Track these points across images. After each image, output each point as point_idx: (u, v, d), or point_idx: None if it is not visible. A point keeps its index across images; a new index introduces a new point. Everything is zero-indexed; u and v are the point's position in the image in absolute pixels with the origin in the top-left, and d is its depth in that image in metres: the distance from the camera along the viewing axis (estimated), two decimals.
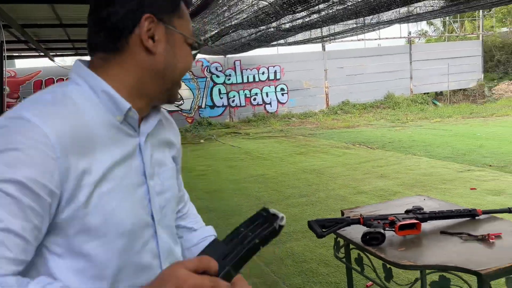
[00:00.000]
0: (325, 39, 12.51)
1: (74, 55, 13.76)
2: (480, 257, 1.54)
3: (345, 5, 4.61)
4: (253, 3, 4.87)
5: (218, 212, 4.99)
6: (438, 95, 18.04)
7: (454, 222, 1.94)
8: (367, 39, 16.81)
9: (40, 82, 13.15)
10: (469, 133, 9.24)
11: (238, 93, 15.27)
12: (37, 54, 11.78)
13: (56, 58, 12.63)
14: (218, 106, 15.08)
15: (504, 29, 19.71)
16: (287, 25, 6.09)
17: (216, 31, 7.15)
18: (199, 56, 14.00)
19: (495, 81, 18.22)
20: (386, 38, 17.43)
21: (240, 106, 15.33)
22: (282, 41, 10.16)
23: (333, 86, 16.35)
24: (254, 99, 15.47)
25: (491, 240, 1.68)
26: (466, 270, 1.45)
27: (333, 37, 12.38)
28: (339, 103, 16.33)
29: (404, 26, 16.56)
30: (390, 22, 8.91)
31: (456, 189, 5.12)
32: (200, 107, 14.87)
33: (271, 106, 15.66)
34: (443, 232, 1.83)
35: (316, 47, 15.87)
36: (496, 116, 11.92)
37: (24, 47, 10.13)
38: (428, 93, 17.73)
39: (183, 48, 0.88)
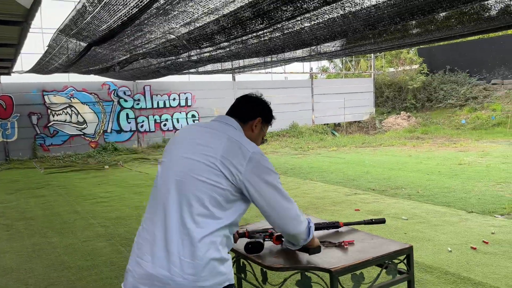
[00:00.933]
0: (235, 70, 13.14)
1: None
2: (333, 258, 1.92)
3: (246, 45, 5.09)
4: (160, 35, 5.11)
5: (121, 239, 4.96)
6: (337, 126, 19.78)
7: (323, 233, 2.34)
8: (274, 73, 17.96)
9: None
10: (359, 161, 10.36)
11: (148, 118, 15.11)
12: None
13: None
14: (126, 131, 14.73)
15: (392, 69, 22.49)
16: (195, 57, 6.42)
17: (124, 57, 7.20)
18: (105, 79, 13.66)
19: (384, 114, 20.55)
20: (291, 73, 18.83)
21: (150, 131, 15.16)
22: (193, 70, 10.47)
23: None
24: (165, 125, 15.44)
25: (345, 246, 2.08)
26: (320, 268, 1.82)
27: (242, 70, 13.07)
28: None
29: (307, 63, 18.05)
30: (290, 61, 9.78)
31: (343, 210, 5.77)
32: (105, 131, 14.37)
33: None
34: None
35: (227, 77, 16.52)
36: (383, 146, 13.49)
37: None
38: (328, 124, 19.35)
39: (261, 134, 1.91)
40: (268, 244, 2.19)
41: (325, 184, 7.67)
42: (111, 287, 3.61)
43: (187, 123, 15.87)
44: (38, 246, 4.81)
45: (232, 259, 2.36)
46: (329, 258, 1.92)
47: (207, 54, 6.04)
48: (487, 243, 4.20)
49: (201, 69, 11.35)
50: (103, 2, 3.90)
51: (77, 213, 6.29)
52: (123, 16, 3.96)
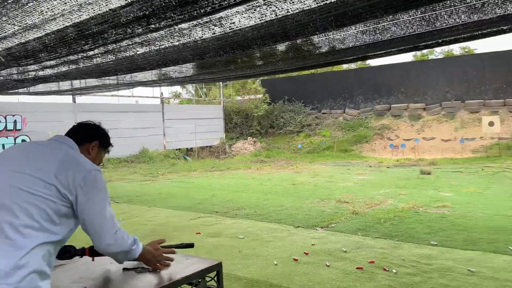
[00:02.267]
0: (76, 92, 12.20)
1: None
2: (143, 282, 1.92)
3: (77, 65, 4.81)
4: None
5: None
6: (189, 151, 20.00)
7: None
8: (121, 96, 17.28)
9: None
10: (207, 185, 10.64)
11: None
12: None
13: None
14: None
15: (239, 98, 24.00)
16: (18, 76, 5.76)
17: None
18: None
19: (233, 140, 21.67)
20: (140, 97, 18.42)
21: None
22: (23, 90, 9.33)
23: None
24: None
25: (159, 269, 2.11)
26: None
27: (85, 91, 12.23)
28: None
29: (158, 87, 17.94)
30: (137, 84, 9.59)
31: (184, 235, 5.80)
32: None
33: None
34: (125, 269, 2.17)
35: (67, 98, 15.20)
36: (231, 170, 14.16)
37: None
38: (180, 148, 19.41)
39: (98, 158, 2.00)
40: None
41: (171, 210, 7.62)
42: None
43: None
44: None
45: None
46: (140, 283, 1.91)
47: (33, 73, 5.49)
48: (307, 254, 4.74)
49: (36, 89, 10.22)
50: None
51: None
52: None
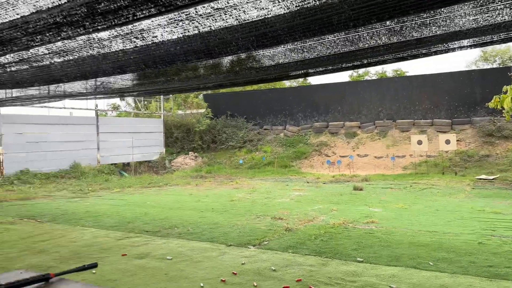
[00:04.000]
0: (1, 103, 11.28)
1: None
2: None
3: None
4: None
5: None
6: (126, 166, 19.20)
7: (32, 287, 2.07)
8: (51, 107, 16.27)
9: None
10: (141, 202, 10.20)
11: None
12: None
13: None
14: None
15: (180, 112, 23.61)
16: None
17: None
18: None
19: (174, 154, 21.17)
20: (73, 108, 17.46)
21: None
22: None
23: (10, 152, 14.63)
24: None
25: None
26: None
27: (11, 102, 11.34)
28: (17, 172, 14.67)
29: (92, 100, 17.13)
30: (68, 96, 9.06)
31: (109, 257, 5.45)
32: None
33: None
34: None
35: None
36: (169, 186, 13.75)
37: None
38: (115, 163, 18.57)
39: None
40: None
41: (97, 230, 7.16)
42: None
43: None
44: None
45: None
46: None
47: None
48: (235, 274, 4.63)
49: None
50: None
51: None
52: None
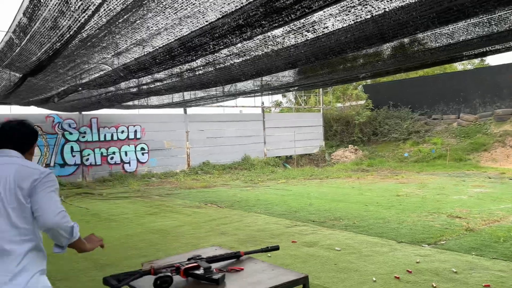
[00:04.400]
0: (187, 104, 13.21)
1: None
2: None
3: (182, 78, 5.17)
4: (94, 66, 5.09)
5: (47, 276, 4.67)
6: (288, 159, 20.13)
7: (227, 263, 2.36)
8: (226, 106, 18.21)
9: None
10: (305, 193, 10.54)
11: (94, 151, 14.68)
12: None
13: None
14: (70, 165, 14.18)
15: (339, 105, 23.46)
16: (135, 89, 6.42)
17: (62, 88, 7.06)
18: (49, 112, 13.24)
19: (333, 148, 21.22)
20: (243, 106, 19.18)
21: (95, 165, 14.69)
22: (137, 102, 10.41)
23: (194, 147, 16.98)
24: (112, 158, 15.04)
25: (231, 271, 2.12)
26: None
27: (195, 103, 13.16)
28: (200, 164, 16.93)
29: (259, 97, 18.49)
30: (240, 94, 10.00)
31: (280, 242, 5.79)
32: (48, 165, 13.76)
33: (129, 166, 15.37)
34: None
35: (178, 110, 16.51)
36: (330, 178, 13.84)
37: None
38: (279, 156, 19.65)
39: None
40: (176, 277, 2.16)
41: (268, 217, 7.71)
42: None
43: (136, 156, 15.57)
44: None
45: None
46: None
47: (146, 87, 6.06)
48: (410, 272, 4.36)
49: (152, 102, 11.33)
50: (29, 35, 3.86)
51: None
52: (49, 49, 3.93)
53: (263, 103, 19.82)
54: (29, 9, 2.97)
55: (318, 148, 21.04)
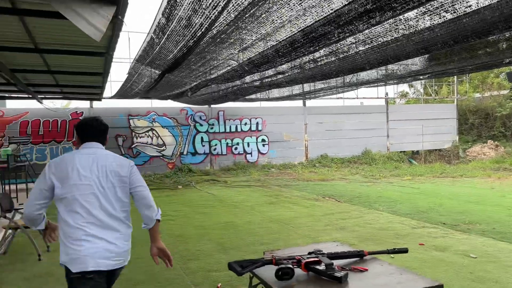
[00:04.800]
0: (306, 96, 13.23)
1: (62, 99, 14.21)
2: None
3: (304, 69, 5.14)
4: (222, 62, 5.38)
5: (178, 256, 5.16)
6: (415, 154, 18.69)
7: (348, 261, 2.25)
8: (346, 98, 17.70)
9: (27, 123, 13.44)
10: (434, 192, 9.65)
11: (220, 142, 15.74)
12: (26, 96, 12.19)
13: (45, 101, 13.03)
14: (200, 154, 15.47)
15: (477, 95, 20.87)
16: (258, 83, 6.62)
17: (194, 83, 7.67)
18: (183, 105, 14.58)
19: (469, 143, 19.01)
20: (364, 98, 18.36)
21: (221, 154, 15.73)
22: (259, 95, 10.76)
23: (312, 139, 16.95)
24: (235, 148, 15.93)
25: (354, 271, 2.00)
26: None
27: (313, 94, 13.11)
28: (318, 156, 16.84)
29: (382, 87, 17.52)
30: (363, 84, 9.60)
31: (405, 244, 5.38)
32: (182, 153, 15.22)
33: (251, 156, 16.09)
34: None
35: (297, 102, 16.63)
36: (465, 177, 12.43)
37: (13, 89, 10.54)
38: (404, 151, 18.38)
39: None
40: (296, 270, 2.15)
41: (391, 215, 7.26)
42: None
43: (257, 147, 16.21)
44: None
45: (257, 285, 2.35)
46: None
47: (268, 80, 6.20)
48: None
49: (274, 94, 11.64)
50: (166, 34, 4.25)
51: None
52: (183, 47, 4.27)
53: (387, 94, 18.74)
54: (167, 9, 3.25)
55: (450, 143, 19.09)
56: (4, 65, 7.02)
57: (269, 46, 4.44)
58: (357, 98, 18.05)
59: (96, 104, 14.37)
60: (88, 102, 14.21)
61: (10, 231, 5.57)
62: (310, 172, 14.70)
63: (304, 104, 17.02)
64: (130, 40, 14.09)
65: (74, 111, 14.09)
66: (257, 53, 4.74)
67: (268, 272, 2.16)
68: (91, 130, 2.60)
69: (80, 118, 14.00)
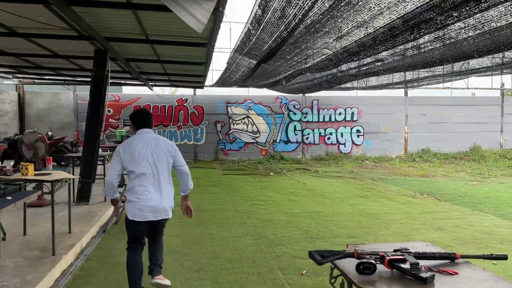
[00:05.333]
0: (408, 84, 12.48)
1: (170, 86, 15.44)
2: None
3: (405, 57, 4.86)
4: (316, 51, 5.35)
5: (265, 240, 5.35)
6: None
7: (437, 263, 2.13)
8: (453, 88, 16.21)
9: (139, 107, 14.89)
10: None
11: (313, 131, 15.67)
12: (139, 83, 13.51)
13: (154, 88, 14.31)
14: (292, 142, 15.60)
15: None
16: (353, 71, 6.44)
17: (288, 72, 7.74)
18: (278, 93, 14.80)
19: None
20: (475, 88, 16.62)
21: (314, 143, 15.67)
22: (355, 84, 10.43)
23: (413, 132, 15.94)
24: (328, 138, 15.72)
25: (442, 273, 1.88)
26: None
27: (416, 83, 12.31)
28: (419, 150, 15.82)
29: (497, 77, 15.68)
30: (469, 73, 8.74)
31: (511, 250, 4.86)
32: (274, 141, 15.52)
33: (344, 147, 15.74)
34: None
35: (398, 92, 15.74)
36: None
37: (128, 76, 11.77)
38: None
39: None
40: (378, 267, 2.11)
41: (498, 218, 6.56)
42: (247, 281, 3.97)
43: (351, 138, 15.80)
44: (200, 235, 5.59)
45: (337, 276, 2.35)
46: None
47: (365, 68, 5.99)
48: None
49: (370, 83, 11.21)
50: (262, 26, 4.36)
51: (237, 211, 7.04)
52: (278, 37, 4.34)
53: (503, 84, 16.74)
54: (263, 1, 3.33)
55: None
56: (120, 54, 7.87)
57: (365, 34, 4.29)
58: (467, 88, 16.43)
59: (198, 91, 15.34)
60: (191, 89, 15.24)
61: (121, 204, 6.31)
62: (408, 167, 13.89)
63: (406, 93, 16.05)
64: (232, 30, 14.67)
65: (179, 98, 15.24)
66: (353, 41, 4.62)
67: (349, 265, 2.15)
68: (141, 117, 3.55)
69: (184, 104, 15.09)
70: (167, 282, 3.55)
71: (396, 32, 3.93)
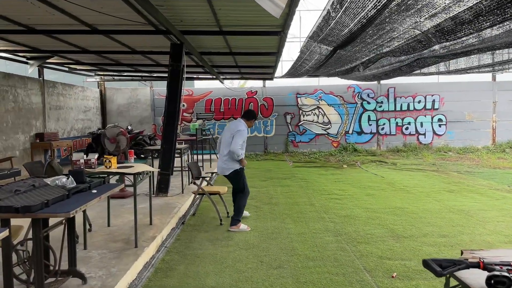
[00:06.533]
0: (495, 68, 11.23)
1: (240, 79, 15.49)
2: None
3: (510, 31, 4.23)
4: (403, 32, 4.86)
5: (347, 237, 5.03)
6: None
7: None
8: None
9: (210, 101, 15.16)
10: None
11: (389, 121, 14.80)
12: (210, 77, 13.68)
13: (225, 81, 14.43)
14: (366, 133, 14.88)
15: None
16: (440, 52, 5.81)
17: (367, 58, 7.25)
18: (351, 82, 14.15)
19: None
20: None
21: (390, 134, 14.81)
22: (436, 68, 9.57)
23: (503, 120, 14.41)
24: (406, 128, 14.75)
25: None
26: None
27: (507, 66, 11.03)
28: (509, 140, 14.26)
29: None
30: None
31: None
32: (347, 132, 14.92)
33: (425, 137, 14.67)
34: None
35: (485, 76, 14.29)
36: None
37: (200, 70, 11.94)
38: None
39: (252, 124, 5.93)
40: None
41: None
42: (331, 282, 3.70)
43: (432, 128, 14.69)
44: (277, 229, 5.43)
45: (456, 287, 2.00)
46: None
47: (458, 46, 5.36)
48: None
49: (452, 67, 10.24)
50: (344, 7, 4.02)
51: (312, 206, 6.78)
52: (363, 18, 3.97)
53: None
54: None
55: None
56: (195, 48, 7.92)
57: (465, 7, 3.76)
58: None
59: (268, 83, 15.21)
60: (261, 81, 15.15)
61: (198, 196, 6.34)
62: (498, 158, 12.58)
63: (494, 78, 14.53)
64: (301, 19, 14.30)
65: (249, 90, 15.23)
66: (448, 18, 4.10)
67: (474, 277, 1.81)
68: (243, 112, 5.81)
69: (254, 96, 15.05)
70: (235, 229, 5.39)
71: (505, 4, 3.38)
